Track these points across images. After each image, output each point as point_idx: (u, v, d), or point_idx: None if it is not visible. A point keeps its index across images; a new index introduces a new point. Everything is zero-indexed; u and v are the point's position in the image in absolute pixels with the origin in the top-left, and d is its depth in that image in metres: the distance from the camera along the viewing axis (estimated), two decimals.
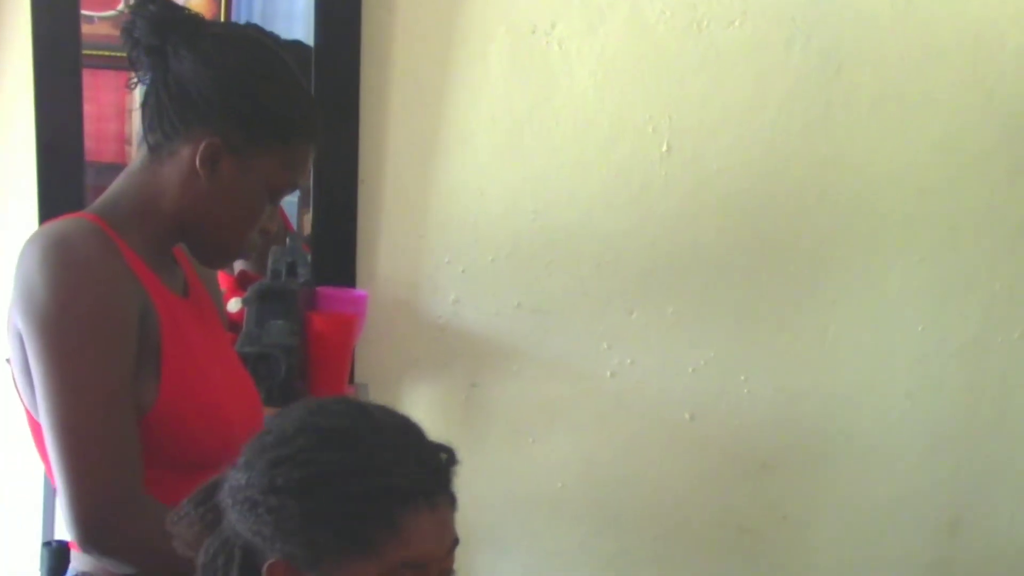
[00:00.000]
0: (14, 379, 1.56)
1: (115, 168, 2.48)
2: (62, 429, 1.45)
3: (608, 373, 2.66)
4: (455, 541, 1.24)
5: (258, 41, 1.63)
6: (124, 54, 2.46)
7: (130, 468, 1.47)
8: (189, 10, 1.61)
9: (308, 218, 2.59)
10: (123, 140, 2.60)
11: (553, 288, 2.61)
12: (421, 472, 1.19)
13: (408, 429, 1.23)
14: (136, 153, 1.63)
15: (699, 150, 2.56)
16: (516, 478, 2.69)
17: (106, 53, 2.49)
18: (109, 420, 1.46)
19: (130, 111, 2.59)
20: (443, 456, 1.23)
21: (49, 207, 2.44)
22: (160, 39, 1.55)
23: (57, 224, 1.53)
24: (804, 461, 2.73)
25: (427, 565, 1.19)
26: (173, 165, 1.56)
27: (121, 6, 2.50)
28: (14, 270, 1.50)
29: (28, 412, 1.57)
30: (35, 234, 1.53)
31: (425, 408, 2.65)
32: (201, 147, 1.54)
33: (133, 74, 1.60)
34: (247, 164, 1.56)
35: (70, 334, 1.46)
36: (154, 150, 1.58)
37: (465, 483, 2.64)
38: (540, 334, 2.63)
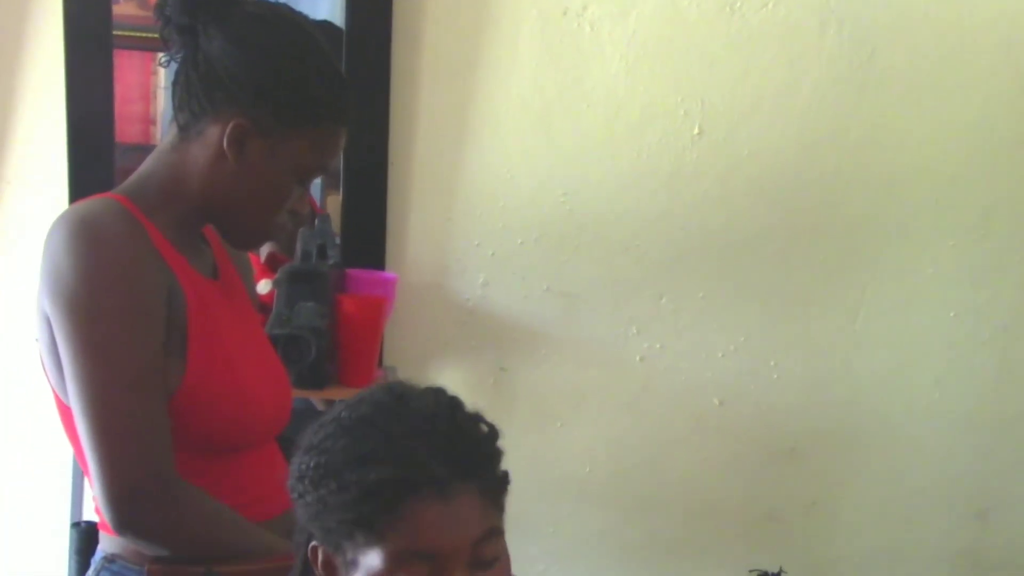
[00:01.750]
0: (42, 360, 1.56)
1: (140, 149, 2.51)
2: (92, 411, 1.44)
3: (637, 358, 2.65)
4: (487, 532, 1.21)
5: (290, 20, 1.60)
6: (150, 35, 2.50)
7: (162, 449, 1.47)
8: None
9: (334, 199, 2.58)
10: (148, 121, 2.60)
11: (582, 272, 2.60)
12: (435, 462, 1.17)
13: (439, 416, 1.22)
14: (166, 132, 1.62)
15: (731, 134, 2.55)
16: (543, 462, 2.69)
17: (132, 34, 2.48)
18: (139, 401, 1.46)
19: (155, 92, 2.59)
20: (477, 445, 1.21)
21: (79, 188, 2.44)
22: (191, 18, 1.54)
23: (84, 205, 1.53)
24: (833, 447, 2.72)
25: (436, 556, 1.18)
26: (201, 145, 1.55)
27: None
28: (42, 252, 1.49)
29: (56, 394, 1.56)
30: (62, 215, 1.52)
31: (453, 391, 2.64)
32: (228, 128, 1.53)
33: (164, 53, 1.59)
34: (275, 146, 1.55)
35: (97, 316, 1.45)
36: (183, 130, 1.56)
37: None
38: (569, 318, 2.62)
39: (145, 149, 2.56)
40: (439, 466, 1.17)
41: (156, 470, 1.46)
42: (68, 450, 2.39)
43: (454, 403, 1.25)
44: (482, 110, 2.53)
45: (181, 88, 1.56)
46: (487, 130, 2.54)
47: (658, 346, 2.65)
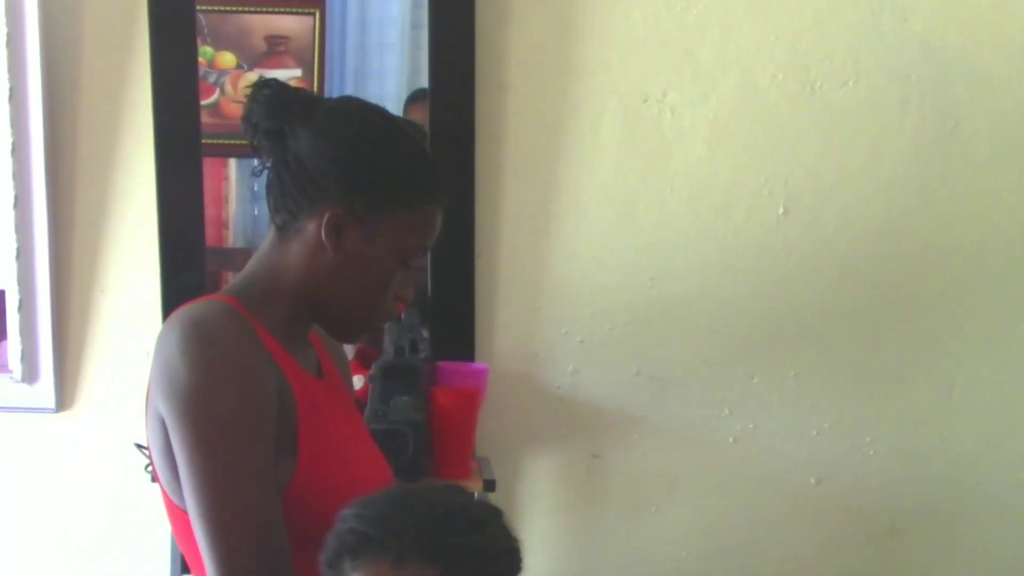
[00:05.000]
0: (152, 464, 1.57)
1: (215, 252, 2.56)
2: (209, 510, 1.45)
3: (730, 439, 2.63)
4: None
5: (371, 109, 1.63)
6: (221, 141, 2.56)
7: (279, 547, 1.48)
8: (303, 90, 1.64)
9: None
10: (221, 225, 2.64)
11: (672, 355, 2.59)
12: (406, 534, 1.26)
13: (441, 505, 1.30)
14: (266, 235, 1.64)
15: (816, 212, 2.55)
16: (639, 548, 2.66)
17: (204, 141, 2.53)
18: (256, 499, 1.47)
19: (226, 196, 2.64)
20: (459, 535, 1.27)
21: (172, 293, 2.49)
22: (277, 121, 1.57)
23: (195, 307, 1.55)
24: (934, 523, 2.68)
25: None
26: (300, 242, 1.58)
27: (216, 95, 2.55)
28: (153, 354, 1.51)
29: (167, 497, 1.57)
30: (174, 318, 1.53)
31: (546, 480, 2.64)
32: (324, 219, 1.55)
33: (257, 161, 1.63)
34: (372, 231, 1.57)
35: (214, 418, 1.47)
36: (281, 230, 1.59)
37: (588, 553, 2.64)
38: (660, 402, 2.61)
39: (220, 252, 2.63)
40: (408, 535, 1.25)
41: (274, 568, 1.47)
42: (165, 554, 2.43)
43: (474, 508, 1.33)
44: (566, 199, 2.54)
45: (275, 190, 1.59)
46: (572, 218, 2.55)
47: (751, 426, 2.63)
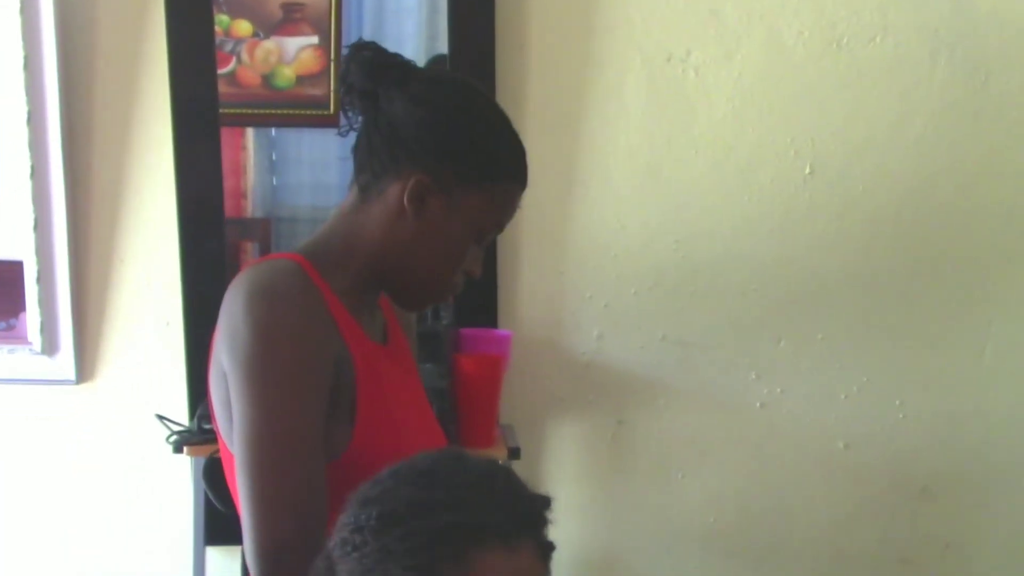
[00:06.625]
0: (213, 413, 1.59)
1: (233, 222, 2.54)
2: (251, 466, 1.46)
3: (758, 404, 2.60)
4: None
5: (466, 83, 1.64)
6: (238, 111, 2.54)
7: (315, 510, 1.47)
8: (400, 55, 1.63)
9: None
10: (240, 195, 2.63)
11: (698, 319, 2.57)
12: (499, 512, 1.18)
13: (496, 474, 1.23)
14: (347, 195, 1.63)
15: (843, 171, 2.51)
16: (667, 514, 2.65)
17: (221, 111, 2.50)
18: (298, 461, 1.47)
19: (245, 166, 2.62)
20: (537, 504, 1.22)
21: (192, 263, 2.48)
22: (373, 83, 1.57)
23: (263, 266, 1.55)
24: (965, 486, 2.65)
25: None
26: (381, 204, 1.57)
27: (233, 64, 2.53)
28: (221, 307, 1.51)
29: (224, 448, 1.59)
30: (243, 275, 1.54)
31: (572, 446, 2.62)
32: (410, 184, 1.54)
33: (343, 124, 1.61)
34: (455, 203, 1.55)
35: (268, 380, 1.47)
36: (363, 190, 1.59)
37: (615, 520, 2.62)
38: (686, 367, 2.59)
39: (239, 222, 2.61)
40: (503, 517, 1.18)
41: (307, 529, 1.46)
42: (187, 525, 2.43)
43: (507, 467, 1.28)
44: (589, 161, 2.51)
45: (362, 151, 1.59)
46: (595, 181, 2.52)
47: (779, 391, 2.60)
